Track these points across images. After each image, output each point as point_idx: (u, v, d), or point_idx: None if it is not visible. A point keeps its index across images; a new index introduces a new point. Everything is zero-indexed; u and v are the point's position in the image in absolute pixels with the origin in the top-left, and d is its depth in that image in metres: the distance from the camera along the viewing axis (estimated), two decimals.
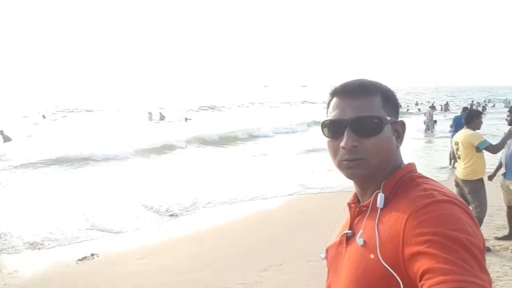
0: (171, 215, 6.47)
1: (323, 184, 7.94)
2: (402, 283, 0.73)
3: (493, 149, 4.47)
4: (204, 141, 15.21)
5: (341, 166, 0.91)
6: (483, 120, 4.80)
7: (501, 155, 4.68)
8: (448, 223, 0.72)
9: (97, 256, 4.91)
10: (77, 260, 4.79)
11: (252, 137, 16.77)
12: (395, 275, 0.74)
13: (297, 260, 4.52)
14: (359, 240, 0.86)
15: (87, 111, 32.33)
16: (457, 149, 4.62)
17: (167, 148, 13.77)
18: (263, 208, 6.67)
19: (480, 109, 23.45)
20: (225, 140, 15.77)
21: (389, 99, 0.93)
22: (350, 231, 0.93)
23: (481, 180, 4.48)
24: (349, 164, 0.88)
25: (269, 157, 12.05)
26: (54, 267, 4.65)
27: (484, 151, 4.48)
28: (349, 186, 7.25)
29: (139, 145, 13.20)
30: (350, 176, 0.91)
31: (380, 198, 0.86)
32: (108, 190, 8.01)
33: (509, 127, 4.62)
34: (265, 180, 8.66)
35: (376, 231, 0.82)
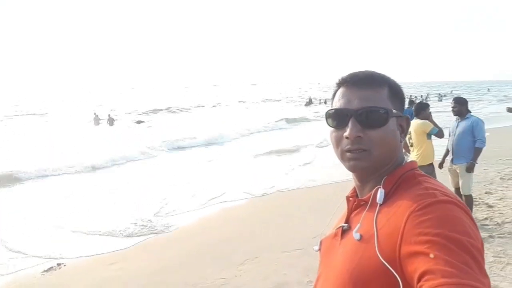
0: (142, 224, 6.20)
1: (288, 183, 8.12)
2: (400, 279, 0.73)
3: (440, 133, 5.06)
4: (159, 147, 14.39)
5: (343, 157, 0.89)
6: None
7: (447, 143, 5.21)
8: (450, 225, 0.71)
9: (64, 265, 4.71)
10: (43, 272, 4.56)
11: (209, 143, 16.09)
12: (393, 271, 0.73)
13: (272, 252, 4.65)
14: (355, 234, 0.84)
15: (30, 114, 29.56)
16: (409, 138, 5.09)
17: (120, 159, 11.71)
18: (231, 208, 6.71)
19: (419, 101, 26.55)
20: (181, 144, 15.36)
21: (396, 93, 0.93)
22: (346, 225, 0.92)
23: (431, 165, 4.98)
24: (352, 156, 0.87)
25: (223, 160, 11.87)
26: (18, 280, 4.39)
27: (432, 138, 5.02)
28: (313, 185, 7.68)
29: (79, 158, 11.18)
30: (351, 168, 0.90)
31: (380, 193, 0.85)
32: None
33: (455, 117, 5.13)
34: (227, 181, 8.71)
35: (375, 226, 0.81)
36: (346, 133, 0.87)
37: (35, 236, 5.74)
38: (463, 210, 0.76)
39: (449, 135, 5.15)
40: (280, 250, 4.66)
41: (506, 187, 6.66)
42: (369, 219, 0.84)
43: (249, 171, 9.64)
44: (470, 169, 4.85)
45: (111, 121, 23.20)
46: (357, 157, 0.87)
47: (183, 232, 5.64)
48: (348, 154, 0.88)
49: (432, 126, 5.00)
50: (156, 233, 5.66)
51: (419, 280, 0.68)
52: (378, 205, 0.84)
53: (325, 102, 34.71)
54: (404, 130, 0.93)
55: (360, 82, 0.90)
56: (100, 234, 5.70)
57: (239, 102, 41.84)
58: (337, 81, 0.95)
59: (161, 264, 4.56)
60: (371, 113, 0.87)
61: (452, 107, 5.11)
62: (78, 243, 5.41)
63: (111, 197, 7.64)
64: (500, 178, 7.24)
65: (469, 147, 4.89)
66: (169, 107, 33.45)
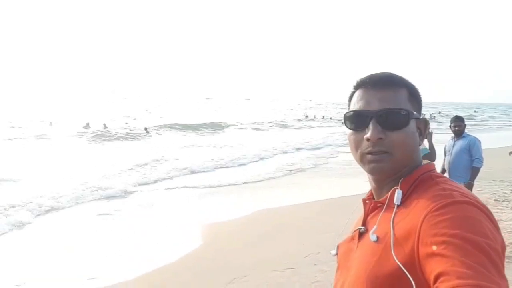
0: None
1: (280, 200, 7.95)
2: (414, 282, 0.72)
3: (431, 156, 4.61)
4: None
5: (363, 159, 0.88)
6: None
7: (442, 162, 5.07)
8: (466, 225, 0.70)
9: None
10: None
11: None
12: (407, 273, 0.73)
13: (261, 270, 4.43)
14: (372, 236, 0.84)
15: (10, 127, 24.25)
16: None
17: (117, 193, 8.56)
18: (218, 224, 6.47)
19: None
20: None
21: (415, 95, 0.91)
22: (363, 227, 0.91)
23: None
24: (373, 158, 0.86)
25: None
26: None
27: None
28: (307, 202, 7.43)
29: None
30: (371, 171, 0.88)
31: (398, 194, 0.84)
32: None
33: (451, 136, 5.02)
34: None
35: (391, 227, 0.80)
36: (368, 135, 0.85)
37: None
38: (482, 211, 0.74)
39: (445, 154, 5.03)
40: (270, 269, 4.44)
41: (501, 209, 6.55)
42: (386, 221, 0.83)
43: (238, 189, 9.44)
44: (469, 189, 4.73)
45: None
46: (378, 159, 0.86)
47: (174, 250, 5.37)
48: (368, 156, 0.87)
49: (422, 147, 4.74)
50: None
51: (435, 281, 0.67)
52: (396, 206, 0.83)
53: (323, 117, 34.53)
54: (422, 133, 0.92)
55: (379, 83, 0.89)
56: None
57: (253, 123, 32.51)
58: (354, 83, 0.93)
59: (149, 282, 4.31)
60: (392, 115, 0.85)
61: (454, 126, 4.93)
62: None
63: None
64: (495, 200, 7.15)
65: (466, 166, 4.78)
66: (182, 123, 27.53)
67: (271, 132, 26.67)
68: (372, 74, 0.91)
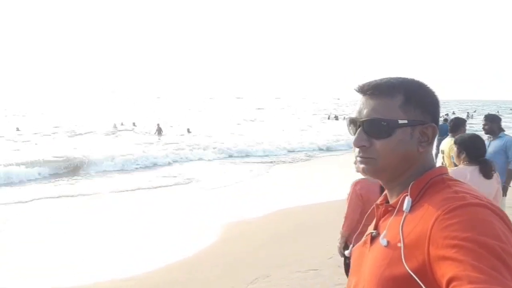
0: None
1: (300, 199, 7.88)
2: (424, 287, 0.71)
3: None
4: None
5: (356, 161, 0.93)
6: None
7: None
8: (479, 228, 0.68)
9: None
10: None
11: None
12: (419, 281, 0.72)
13: (284, 271, 4.39)
14: (382, 241, 0.84)
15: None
16: (443, 157, 4.69)
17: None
18: (241, 223, 6.46)
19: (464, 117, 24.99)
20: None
21: (416, 100, 0.88)
22: (375, 231, 0.91)
23: None
24: (361, 160, 0.90)
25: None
26: None
27: None
28: (321, 202, 7.28)
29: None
30: (362, 172, 0.92)
31: (408, 202, 0.83)
32: None
33: (487, 135, 4.77)
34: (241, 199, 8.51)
35: (401, 233, 0.79)
36: (352, 141, 0.91)
37: None
38: (495, 214, 0.72)
39: None
40: (292, 270, 4.40)
41: None
42: (396, 225, 0.83)
43: (264, 184, 9.44)
44: (503, 192, 4.46)
45: (159, 131, 22.04)
46: (365, 162, 0.89)
47: (198, 247, 5.42)
48: (358, 159, 0.92)
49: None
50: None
51: (447, 286, 0.66)
52: (405, 213, 0.83)
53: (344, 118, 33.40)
54: (429, 138, 0.89)
55: (369, 91, 0.90)
56: None
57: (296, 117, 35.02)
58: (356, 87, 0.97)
59: (170, 279, 4.37)
60: (374, 124, 0.88)
61: (483, 124, 4.76)
62: None
63: None
64: None
65: (502, 168, 4.49)
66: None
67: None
68: (368, 81, 0.92)
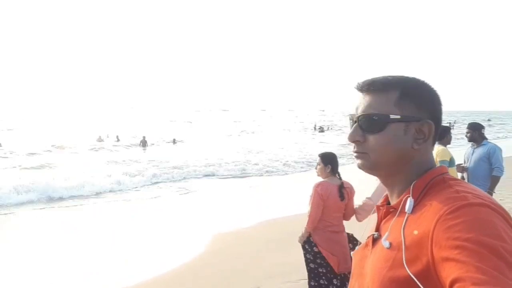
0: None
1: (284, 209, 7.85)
2: None
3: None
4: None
5: (354, 156, 0.95)
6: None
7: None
8: (481, 229, 0.68)
9: None
10: None
11: None
12: (418, 282, 0.72)
13: (275, 281, 4.37)
14: (384, 243, 0.83)
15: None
16: None
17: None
18: (229, 234, 6.42)
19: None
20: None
21: (412, 96, 0.88)
22: (376, 233, 0.91)
23: None
24: (356, 155, 0.93)
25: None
26: None
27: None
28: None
29: None
30: (358, 167, 0.94)
31: (410, 203, 0.83)
32: None
33: (470, 143, 4.89)
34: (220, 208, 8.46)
35: (402, 235, 0.79)
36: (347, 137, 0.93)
37: None
38: (497, 213, 0.72)
39: (464, 162, 4.90)
40: (284, 280, 4.37)
41: None
42: (398, 227, 0.82)
43: (252, 194, 9.40)
44: None
45: (144, 143, 21.93)
46: (360, 157, 0.92)
47: (183, 262, 5.36)
48: (354, 154, 0.94)
49: (446, 158, 4.36)
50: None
51: (450, 287, 0.66)
52: (407, 214, 0.82)
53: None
54: (425, 135, 0.88)
55: (363, 87, 0.92)
56: None
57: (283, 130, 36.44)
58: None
59: None
60: (366, 120, 0.90)
61: (466, 132, 4.90)
62: None
63: None
64: None
65: (486, 175, 4.62)
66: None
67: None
68: (365, 79, 0.94)
